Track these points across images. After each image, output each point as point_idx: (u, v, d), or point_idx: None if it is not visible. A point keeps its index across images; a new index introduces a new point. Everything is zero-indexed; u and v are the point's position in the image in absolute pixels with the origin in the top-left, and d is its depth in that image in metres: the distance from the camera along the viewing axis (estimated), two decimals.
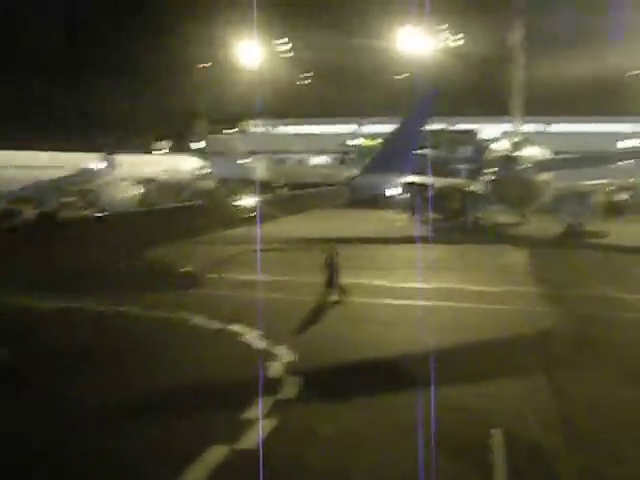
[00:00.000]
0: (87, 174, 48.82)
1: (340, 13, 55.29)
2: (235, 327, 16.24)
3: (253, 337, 15.40)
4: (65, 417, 10.87)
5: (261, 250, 23.85)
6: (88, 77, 63.74)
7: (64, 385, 12.21)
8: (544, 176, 34.73)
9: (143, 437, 10.22)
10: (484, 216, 39.06)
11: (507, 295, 20.21)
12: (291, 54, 61.48)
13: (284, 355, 14.11)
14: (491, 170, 35.37)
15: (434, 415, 10.48)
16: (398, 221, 40.99)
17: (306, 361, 13.78)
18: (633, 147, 55.27)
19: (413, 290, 20.95)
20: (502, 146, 36.16)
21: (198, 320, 17.03)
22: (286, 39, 60.31)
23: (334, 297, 19.13)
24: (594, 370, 13.22)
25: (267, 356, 14.00)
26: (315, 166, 71.49)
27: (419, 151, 41.02)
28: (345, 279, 20.22)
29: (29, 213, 51.27)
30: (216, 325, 16.51)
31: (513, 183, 34.19)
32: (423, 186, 37.94)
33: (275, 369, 13.23)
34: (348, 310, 18.47)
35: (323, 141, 68.75)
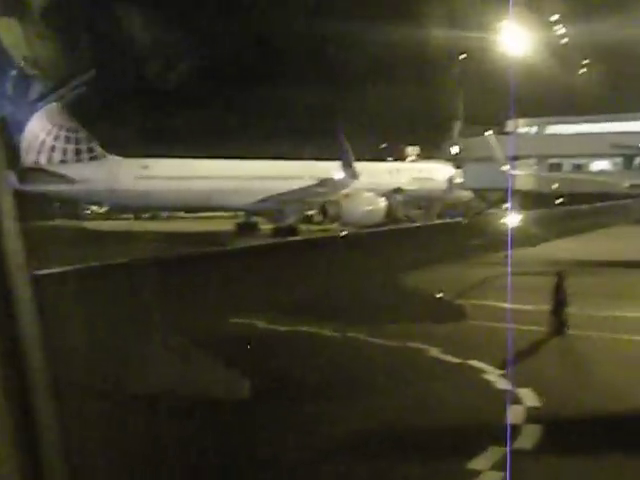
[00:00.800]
0: (327, 185, 52.25)
1: None
2: (476, 362, 16.90)
3: (494, 375, 15.97)
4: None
5: (518, 274, 24.39)
6: (323, 72, 68.39)
7: (293, 416, 13.53)
8: None
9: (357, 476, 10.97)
10: None
11: None
12: (565, 39, 60.77)
13: (526, 398, 14.34)
14: None
15: None
16: None
17: (550, 407, 13.90)
18: None
19: None
20: None
21: (437, 352, 17.92)
22: (559, 21, 59.80)
23: (565, 329, 19.66)
24: None
25: (507, 398, 14.32)
26: (597, 172, 69.60)
27: None
28: (592, 309, 20.99)
29: (265, 227, 56.36)
30: (456, 359, 17.26)
31: None
32: None
33: (515, 414, 13.46)
34: (588, 346, 18.73)
35: (605, 142, 66.88)
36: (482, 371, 16.34)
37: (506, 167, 58.21)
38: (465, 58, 66.95)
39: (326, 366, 17.15)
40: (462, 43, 63.45)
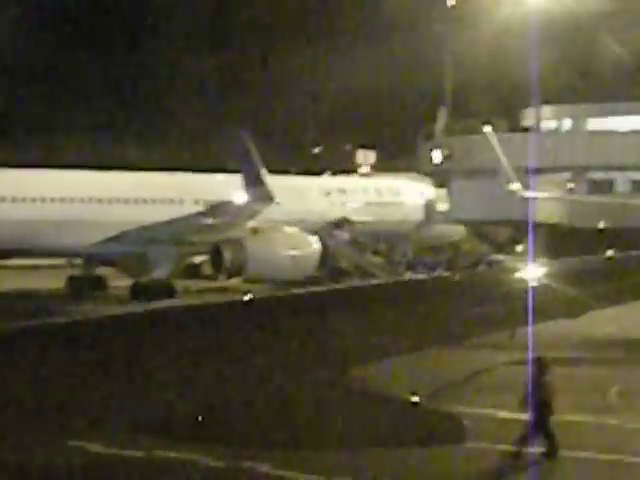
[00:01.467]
0: (222, 212, 52.80)
1: None
2: None
3: None
4: None
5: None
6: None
7: None
8: None
9: None
10: None
11: None
12: None
13: None
14: None
15: None
16: None
17: None
18: None
19: None
20: None
21: None
22: None
23: (542, 448, 20.65)
24: None
25: None
26: None
27: None
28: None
29: (119, 284, 55.77)
30: None
31: None
32: None
33: None
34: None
35: None
36: None
37: (518, 186, 58.85)
38: (454, 5, 67.88)
39: None
40: None
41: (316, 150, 78.84)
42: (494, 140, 61.36)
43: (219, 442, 20.68)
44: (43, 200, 53.18)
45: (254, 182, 50.86)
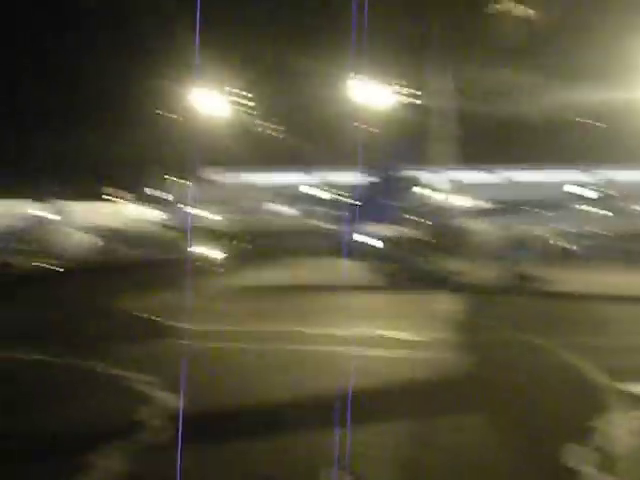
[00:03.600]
0: (36, 222, 56.57)
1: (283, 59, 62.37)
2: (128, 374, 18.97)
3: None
4: None
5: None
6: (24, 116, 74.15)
7: None
8: (477, 224, 46.78)
9: None
10: (432, 264, 45.83)
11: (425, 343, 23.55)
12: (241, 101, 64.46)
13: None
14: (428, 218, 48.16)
15: None
16: (351, 270, 44.05)
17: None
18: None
19: (326, 336, 24.47)
20: (436, 194, 49.50)
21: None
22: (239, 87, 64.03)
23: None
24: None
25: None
26: (280, 214, 77.80)
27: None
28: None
29: None
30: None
31: (448, 231, 45.97)
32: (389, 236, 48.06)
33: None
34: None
35: (279, 190, 75.81)
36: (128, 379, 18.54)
37: (202, 210, 66.43)
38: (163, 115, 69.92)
39: None
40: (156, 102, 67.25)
41: None
42: (172, 186, 70.99)
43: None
44: None
45: (53, 206, 57.53)
